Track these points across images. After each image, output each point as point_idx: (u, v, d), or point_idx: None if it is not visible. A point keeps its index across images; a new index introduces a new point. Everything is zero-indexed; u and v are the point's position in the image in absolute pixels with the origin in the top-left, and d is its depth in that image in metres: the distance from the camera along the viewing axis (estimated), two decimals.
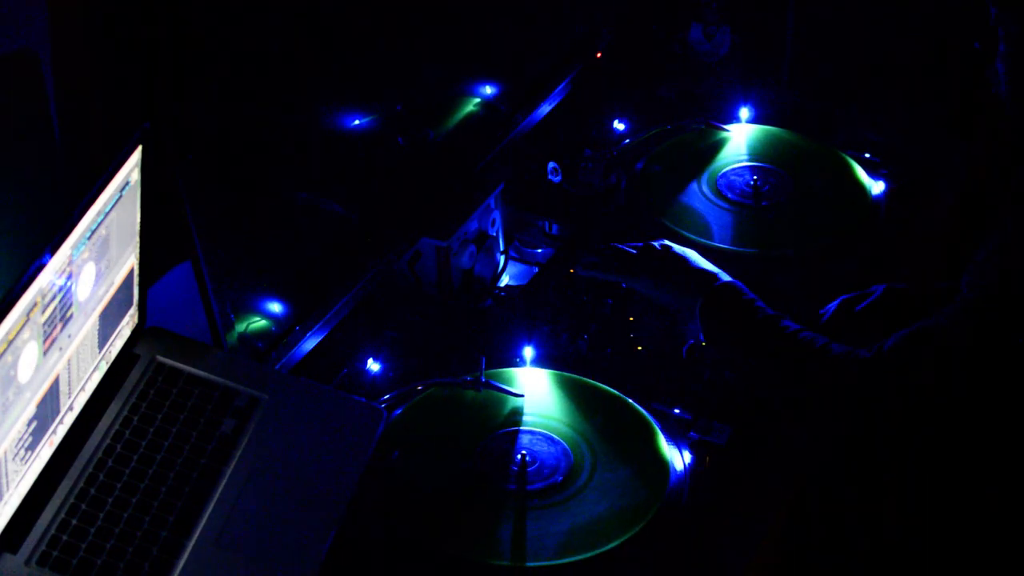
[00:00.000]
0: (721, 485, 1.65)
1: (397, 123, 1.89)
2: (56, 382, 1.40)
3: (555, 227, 2.09)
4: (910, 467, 1.72)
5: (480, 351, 1.81)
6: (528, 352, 1.83)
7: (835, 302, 1.86)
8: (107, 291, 1.48)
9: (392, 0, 1.83)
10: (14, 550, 1.37)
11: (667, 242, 1.87)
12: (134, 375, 1.55)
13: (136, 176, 1.47)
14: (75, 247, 1.36)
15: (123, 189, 1.44)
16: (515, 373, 1.80)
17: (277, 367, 1.67)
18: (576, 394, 1.76)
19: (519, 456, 1.65)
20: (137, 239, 1.52)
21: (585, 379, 1.79)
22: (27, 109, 1.53)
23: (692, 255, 1.83)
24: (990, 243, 1.57)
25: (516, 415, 1.73)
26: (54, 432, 1.42)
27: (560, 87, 2.25)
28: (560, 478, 1.63)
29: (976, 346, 1.57)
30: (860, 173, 2.17)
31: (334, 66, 1.75)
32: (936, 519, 1.73)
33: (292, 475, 1.49)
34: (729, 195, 2.12)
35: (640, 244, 1.87)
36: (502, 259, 2.05)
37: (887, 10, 2.38)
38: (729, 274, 1.79)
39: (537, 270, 2.05)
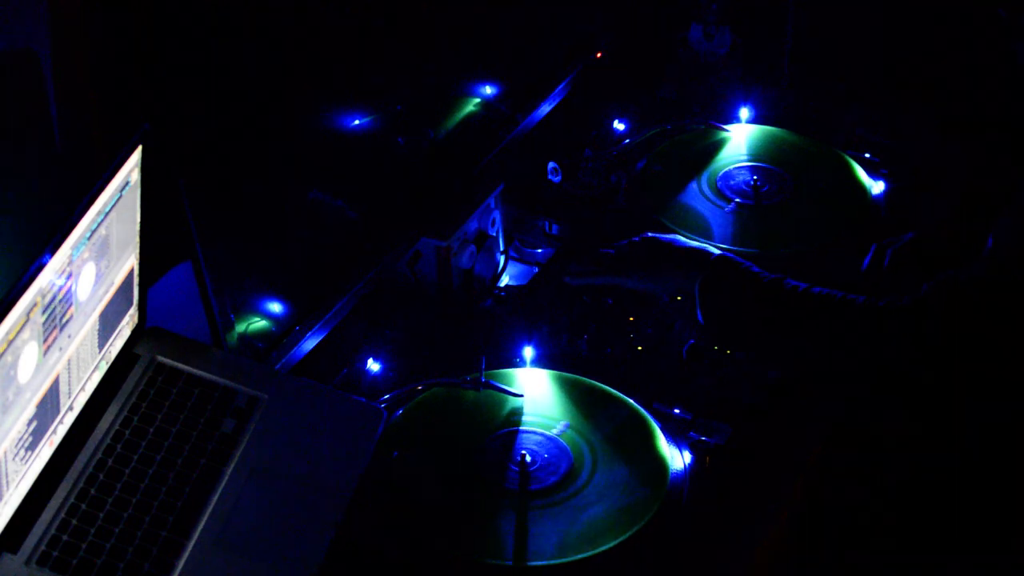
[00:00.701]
0: (721, 485, 1.65)
1: (397, 123, 1.89)
2: (56, 382, 1.40)
3: (555, 227, 2.08)
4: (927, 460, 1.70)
5: (480, 351, 1.81)
6: (528, 352, 1.83)
7: (870, 251, 1.85)
8: (107, 291, 1.48)
9: (392, 0, 1.83)
10: (14, 550, 1.37)
11: (649, 233, 1.86)
12: (134, 375, 1.55)
13: (136, 176, 1.47)
14: (75, 247, 1.36)
15: (123, 189, 1.44)
16: (515, 373, 1.80)
17: (277, 367, 1.67)
18: (576, 394, 1.76)
19: (519, 456, 1.65)
20: (137, 239, 1.52)
21: (585, 379, 1.79)
22: (27, 109, 1.53)
23: (677, 238, 1.83)
24: (1018, 203, 1.55)
25: (516, 415, 1.72)
26: (54, 432, 1.42)
27: (560, 87, 2.25)
28: (560, 478, 1.63)
29: (1010, 296, 1.54)
30: (860, 173, 2.16)
31: (334, 66, 1.75)
32: (947, 519, 1.72)
33: (292, 475, 1.49)
34: (729, 195, 2.12)
35: (622, 242, 1.87)
36: (502, 259, 2.05)
37: (887, 10, 2.38)
38: None
39: (537, 270, 2.05)
